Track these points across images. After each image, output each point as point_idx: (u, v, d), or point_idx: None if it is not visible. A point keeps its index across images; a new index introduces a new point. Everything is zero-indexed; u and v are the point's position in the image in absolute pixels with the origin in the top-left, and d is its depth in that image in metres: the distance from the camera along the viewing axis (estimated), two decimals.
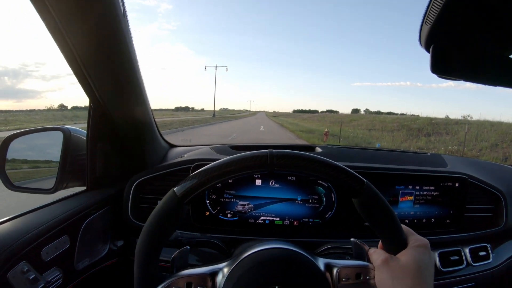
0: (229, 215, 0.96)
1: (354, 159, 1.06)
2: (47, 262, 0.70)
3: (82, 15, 0.63)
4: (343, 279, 0.55)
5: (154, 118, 1.03)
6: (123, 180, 0.96)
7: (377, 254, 0.53)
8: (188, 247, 0.59)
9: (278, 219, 0.97)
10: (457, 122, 20.76)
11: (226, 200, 0.95)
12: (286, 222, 0.97)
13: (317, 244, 0.87)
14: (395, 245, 0.53)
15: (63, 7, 0.60)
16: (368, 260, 0.56)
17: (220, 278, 0.55)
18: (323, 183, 0.96)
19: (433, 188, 1.00)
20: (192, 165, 0.95)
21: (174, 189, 0.50)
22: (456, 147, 14.11)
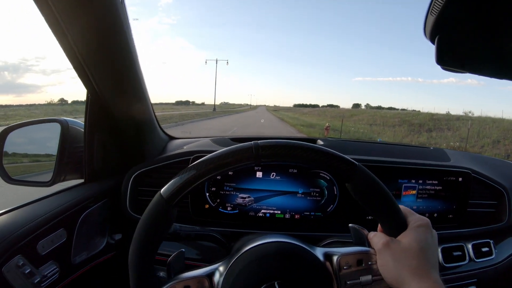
0: (229, 208, 0.95)
1: (356, 152, 1.05)
2: (43, 256, 0.70)
3: (80, 6, 0.62)
4: (344, 267, 0.53)
5: (153, 110, 1.01)
6: (121, 172, 0.95)
7: (377, 238, 0.52)
8: (183, 250, 0.58)
9: (279, 212, 0.95)
10: (458, 118, 20.71)
11: (226, 192, 0.94)
12: (287, 216, 0.95)
13: (319, 238, 0.86)
14: (395, 227, 0.52)
15: None
16: (369, 245, 0.55)
17: (217, 277, 0.54)
18: (325, 175, 0.95)
19: (436, 182, 0.99)
20: (192, 157, 0.93)
21: (161, 191, 0.49)
22: (458, 143, 14.09)
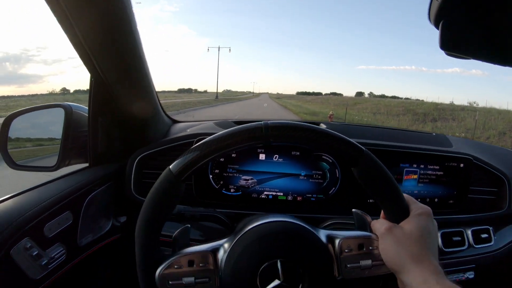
0: (232, 190, 0.96)
1: (359, 135, 1.05)
2: (50, 238, 0.71)
3: None
4: (346, 250, 0.54)
5: (156, 93, 1.02)
6: (125, 156, 0.96)
7: (379, 224, 0.54)
8: (189, 225, 0.59)
9: (282, 194, 0.97)
10: (463, 108, 20.40)
11: (229, 175, 0.95)
12: (289, 197, 0.97)
13: (321, 220, 0.87)
14: (398, 213, 0.53)
15: None
16: (371, 231, 0.56)
17: (221, 254, 0.55)
18: (327, 158, 0.96)
19: (437, 167, 1.00)
20: (195, 140, 0.94)
21: (170, 167, 0.50)
22: (463, 134, 13.92)
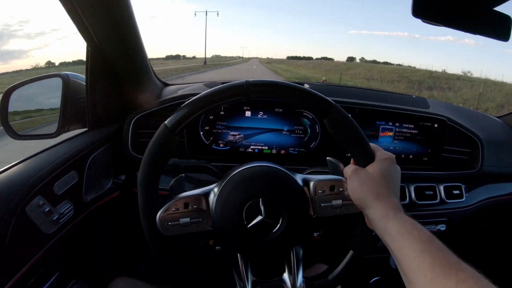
0: (221, 145, 1.03)
1: (338, 95, 1.10)
2: (59, 195, 0.77)
3: None
4: (319, 191, 0.61)
5: (148, 59, 1.05)
6: (122, 118, 1.01)
7: (348, 167, 0.61)
8: (183, 175, 0.66)
9: (267, 148, 1.04)
10: (458, 77, 19.73)
11: (218, 131, 1.01)
12: (274, 151, 1.04)
13: (301, 171, 0.93)
14: (364, 159, 0.60)
15: None
16: (343, 176, 0.63)
17: (212, 197, 0.61)
18: (308, 115, 1.02)
19: (412, 126, 1.06)
20: (186, 100, 0.99)
21: (165, 122, 0.56)
22: (461, 105, 13.58)
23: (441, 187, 1.07)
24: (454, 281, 0.39)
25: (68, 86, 0.91)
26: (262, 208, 0.58)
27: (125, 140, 0.99)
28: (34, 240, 0.71)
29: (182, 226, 0.59)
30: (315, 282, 0.65)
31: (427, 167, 1.09)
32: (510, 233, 1.31)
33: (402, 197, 1.02)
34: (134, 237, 1.11)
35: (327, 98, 0.57)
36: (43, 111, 1.04)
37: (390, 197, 0.55)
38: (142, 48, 0.97)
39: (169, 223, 0.58)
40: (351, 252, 0.65)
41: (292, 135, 1.04)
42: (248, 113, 1.01)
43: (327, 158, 0.67)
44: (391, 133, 1.06)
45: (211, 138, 1.02)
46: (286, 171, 0.64)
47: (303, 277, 0.64)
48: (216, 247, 0.67)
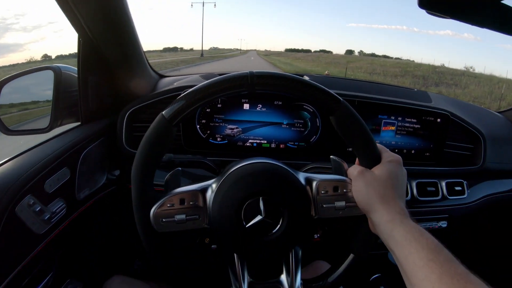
0: (218, 139, 1.00)
1: (340, 87, 1.08)
2: (51, 194, 0.74)
3: None
4: (322, 192, 0.58)
5: (143, 49, 1.02)
6: (116, 112, 0.98)
7: (353, 168, 0.58)
8: (180, 168, 0.63)
9: (265, 142, 1.02)
10: (463, 73, 19.27)
11: (216, 124, 0.99)
12: (273, 145, 1.02)
13: (302, 166, 0.91)
14: (370, 160, 0.57)
15: None
16: (347, 176, 0.60)
17: (209, 193, 0.59)
18: (308, 108, 1.00)
19: (415, 120, 1.04)
20: (182, 92, 0.96)
21: (163, 113, 0.53)
22: (471, 102, 13.10)
23: (443, 183, 1.05)
24: None
25: (60, 79, 0.89)
26: (262, 207, 0.56)
27: (118, 134, 0.96)
28: (25, 241, 0.69)
29: (177, 223, 0.56)
30: (314, 285, 0.64)
31: (428, 162, 1.08)
32: (511, 230, 1.30)
33: None
34: (129, 234, 1.08)
35: (335, 94, 0.55)
36: (35, 105, 1.01)
37: (397, 201, 0.53)
38: (136, 39, 0.94)
39: (164, 220, 0.56)
40: (351, 255, 0.63)
41: (292, 128, 1.01)
42: (246, 106, 0.99)
43: (331, 156, 0.64)
44: (393, 128, 1.04)
45: (208, 132, 0.99)
46: (288, 169, 0.61)
47: (302, 279, 0.62)
48: (212, 246, 0.65)
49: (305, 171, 0.84)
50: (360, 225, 0.60)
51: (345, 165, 0.62)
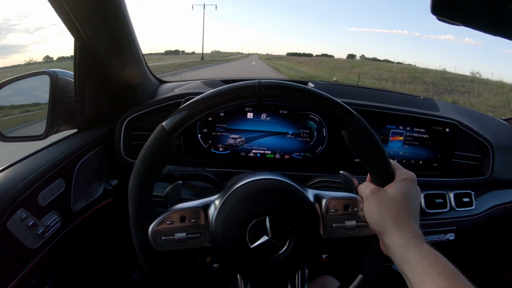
0: (221, 149, 0.97)
1: (346, 95, 1.05)
2: (45, 206, 0.71)
3: None
4: (332, 210, 0.56)
5: (142, 54, 1.00)
6: (114, 119, 0.95)
7: (365, 186, 0.56)
8: (180, 182, 0.60)
9: (270, 152, 0.98)
10: (472, 79, 18.81)
11: (218, 133, 0.96)
12: (277, 156, 0.99)
13: (308, 178, 0.89)
14: (383, 177, 0.55)
15: None
16: (357, 193, 0.58)
17: (212, 210, 0.56)
18: (315, 117, 0.97)
19: (423, 130, 1.02)
20: (183, 100, 0.93)
21: (163, 124, 0.50)
22: (491, 114, 12.40)
23: (451, 195, 1.02)
24: None
25: (56, 84, 0.86)
26: (268, 227, 0.53)
27: (116, 143, 0.93)
28: (18, 256, 0.65)
29: (177, 242, 0.54)
30: None
31: (436, 173, 1.06)
32: None
33: None
34: (127, 246, 1.04)
35: (348, 107, 0.52)
36: (31, 110, 0.99)
37: (411, 223, 0.51)
38: (135, 43, 0.92)
39: (163, 238, 0.53)
40: (360, 276, 0.60)
41: (297, 138, 0.98)
42: (250, 115, 0.95)
43: (340, 172, 0.62)
44: (401, 138, 1.02)
45: (210, 142, 0.96)
46: (297, 186, 0.59)
47: None
48: (214, 265, 0.63)
49: (313, 185, 0.81)
50: (370, 245, 0.58)
51: (356, 181, 0.60)
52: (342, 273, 0.63)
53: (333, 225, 0.56)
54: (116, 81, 0.95)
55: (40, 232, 0.68)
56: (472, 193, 1.05)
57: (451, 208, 1.01)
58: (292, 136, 0.98)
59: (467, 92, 15.67)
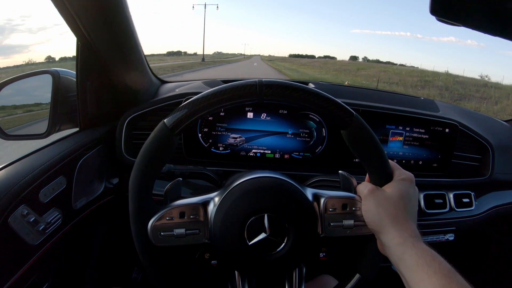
0: (221, 148, 0.98)
1: (346, 96, 1.06)
2: (46, 203, 0.72)
3: None
4: (330, 209, 0.57)
5: (144, 54, 1.00)
6: (115, 118, 0.96)
7: (364, 186, 0.56)
8: (181, 178, 0.61)
9: (269, 152, 0.99)
10: (485, 84, 18.03)
11: (218, 133, 0.97)
12: (277, 155, 0.99)
13: (307, 177, 0.89)
14: (381, 177, 0.55)
15: None
16: (355, 193, 0.58)
17: (211, 207, 0.57)
18: (314, 117, 0.98)
19: (423, 131, 1.02)
20: (184, 99, 0.94)
21: (164, 120, 0.51)
22: None
23: (451, 195, 1.03)
24: None
25: (58, 84, 0.87)
26: (266, 224, 0.54)
27: (118, 141, 0.93)
28: (19, 252, 0.66)
29: (176, 237, 0.54)
30: None
31: (436, 173, 1.06)
32: None
33: None
34: (127, 244, 1.05)
35: (348, 107, 0.52)
36: (33, 108, 1.00)
37: (408, 222, 0.51)
38: (137, 43, 0.92)
39: (162, 233, 0.54)
40: (357, 275, 0.61)
41: (297, 138, 0.99)
42: (250, 115, 0.96)
43: (340, 171, 0.63)
44: (401, 138, 1.02)
45: (210, 141, 0.97)
46: (296, 184, 0.59)
47: None
48: (212, 261, 0.63)
49: (312, 184, 0.82)
50: (368, 244, 0.58)
51: (354, 181, 0.60)
52: (341, 273, 0.63)
53: (331, 224, 0.57)
54: (117, 80, 0.96)
55: (41, 228, 0.69)
56: (472, 193, 1.05)
57: (451, 209, 1.02)
58: (292, 136, 0.98)
59: (483, 98, 14.82)
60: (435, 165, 1.05)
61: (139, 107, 0.95)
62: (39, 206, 0.70)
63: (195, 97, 0.51)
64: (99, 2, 0.74)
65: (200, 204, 0.57)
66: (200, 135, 0.96)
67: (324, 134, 0.98)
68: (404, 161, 1.03)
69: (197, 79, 1.18)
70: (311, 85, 1.15)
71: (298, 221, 0.56)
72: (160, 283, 0.59)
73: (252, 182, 0.58)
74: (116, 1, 0.77)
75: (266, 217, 0.54)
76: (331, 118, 0.53)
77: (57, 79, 0.87)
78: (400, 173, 0.56)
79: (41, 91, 0.93)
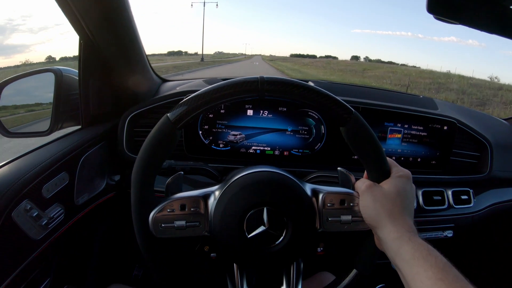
0: (221, 145, 0.99)
1: (346, 94, 1.07)
2: (49, 199, 0.73)
3: None
4: (328, 204, 0.57)
5: (145, 52, 1.01)
6: (117, 116, 0.96)
7: (361, 182, 0.57)
8: (182, 172, 0.62)
9: (269, 149, 1.00)
10: (501, 87, 17.08)
11: (218, 130, 0.98)
12: (276, 152, 1.00)
13: (306, 174, 0.90)
14: (379, 174, 0.56)
15: None
16: (353, 189, 0.59)
17: (212, 201, 0.57)
18: (314, 114, 0.98)
19: (421, 128, 1.03)
20: (185, 96, 0.95)
21: (168, 114, 0.52)
22: None
23: (449, 192, 1.03)
24: None
25: (60, 82, 0.88)
26: (265, 218, 0.55)
27: (119, 139, 0.94)
28: (21, 246, 0.67)
29: (176, 229, 0.55)
30: None
31: (435, 170, 1.06)
32: None
33: None
34: (129, 240, 1.06)
35: (347, 105, 0.53)
36: (35, 107, 1.00)
37: (405, 217, 0.52)
38: (139, 42, 0.93)
39: (163, 225, 0.55)
40: (354, 271, 0.61)
41: (296, 135, 1.00)
42: (250, 112, 0.97)
43: (338, 168, 0.63)
44: (399, 135, 1.03)
45: (211, 138, 0.98)
46: (294, 179, 0.60)
47: None
48: (212, 254, 0.64)
49: (311, 180, 0.83)
50: (365, 240, 0.59)
51: (353, 178, 0.61)
52: (339, 269, 0.64)
53: (329, 219, 0.57)
54: (119, 79, 0.97)
55: (43, 223, 0.70)
56: (471, 190, 1.06)
57: (449, 206, 1.02)
58: (291, 133, 0.99)
59: (505, 103, 13.87)
60: (433, 162, 1.05)
61: (141, 105, 0.96)
62: (42, 201, 0.71)
63: (197, 92, 0.52)
64: (102, 1, 0.75)
65: (201, 197, 0.57)
66: (200, 132, 0.97)
67: (323, 131, 0.99)
68: (402, 158, 1.04)
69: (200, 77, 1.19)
70: (310, 83, 1.16)
71: (297, 215, 0.56)
72: (160, 276, 0.60)
73: (252, 176, 0.59)
74: (119, 1, 0.78)
75: (265, 210, 0.55)
76: (331, 115, 0.53)
77: (59, 77, 0.87)
78: (398, 170, 0.56)
79: (41, 91, 0.94)
